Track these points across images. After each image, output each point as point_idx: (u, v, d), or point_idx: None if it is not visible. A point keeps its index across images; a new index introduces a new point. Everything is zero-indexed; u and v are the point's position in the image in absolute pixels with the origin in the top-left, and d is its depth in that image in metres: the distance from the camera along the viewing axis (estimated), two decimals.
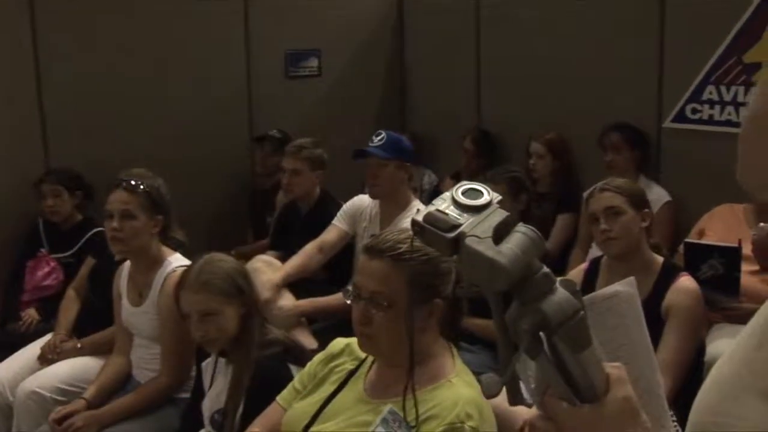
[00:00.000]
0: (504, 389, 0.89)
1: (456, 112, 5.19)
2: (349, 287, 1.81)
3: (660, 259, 2.65)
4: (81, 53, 4.21)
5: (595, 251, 3.68)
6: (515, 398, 0.91)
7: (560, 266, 4.00)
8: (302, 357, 2.26)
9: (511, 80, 4.86)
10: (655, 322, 2.45)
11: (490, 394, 0.88)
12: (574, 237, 4.27)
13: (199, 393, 2.48)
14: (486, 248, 0.81)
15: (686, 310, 2.49)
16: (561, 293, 0.83)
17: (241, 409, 2.23)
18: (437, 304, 1.79)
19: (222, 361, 2.41)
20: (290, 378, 2.10)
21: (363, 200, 3.62)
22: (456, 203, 0.85)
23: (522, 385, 0.91)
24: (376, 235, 1.86)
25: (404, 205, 3.42)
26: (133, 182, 2.80)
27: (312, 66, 5.11)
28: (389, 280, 1.73)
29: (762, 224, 2.52)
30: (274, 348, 2.33)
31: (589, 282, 2.71)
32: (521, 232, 0.83)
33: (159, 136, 4.43)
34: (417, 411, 1.69)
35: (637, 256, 2.61)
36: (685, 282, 2.54)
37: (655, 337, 2.41)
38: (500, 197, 0.86)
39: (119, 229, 2.73)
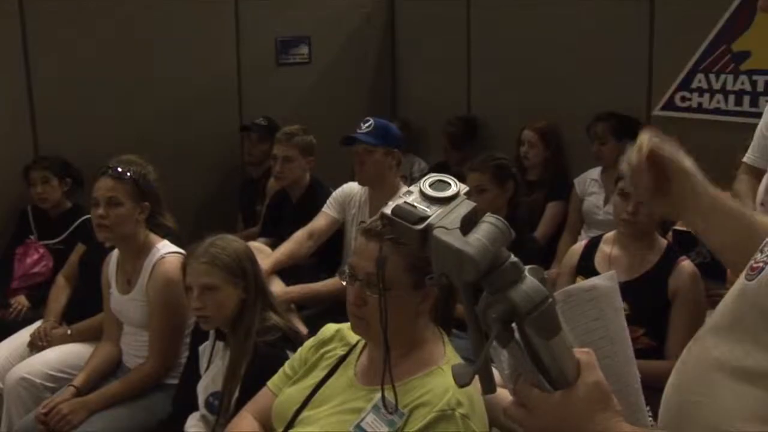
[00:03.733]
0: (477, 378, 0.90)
1: (446, 99, 5.18)
2: (345, 268, 1.79)
3: (663, 241, 2.79)
4: (70, 40, 4.18)
5: (584, 238, 3.70)
6: (488, 386, 0.91)
7: (550, 253, 4.02)
8: (300, 344, 2.26)
9: (502, 68, 4.86)
10: (662, 297, 2.63)
11: (462, 383, 0.88)
12: (563, 224, 4.29)
13: (192, 377, 2.48)
14: (454, 239, 0.82)
15: (694, 297, 2.62)
16: (529, 281, 0.84)
17: (236, 394, 2.24)
18: (431, 290, 1.77)
19: (219, 344, 2.42)
20: None
21: (352, 187, 3.62)
22: (424, 195, 0.87)
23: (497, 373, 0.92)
24: (375, 218, 1.83)
25: (392, 192, 3.40)
26: (119, 169, 2.79)
27: (302, 53, 5.09)
28: (387, 262, 1.68)
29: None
30: (273, 334, 2.33)
31: (587, 257, 2.83)
32: (489, 222, 0.84)
33: (149, 124, 4.41)
34: (396, 395, 1.68)
35: (646, 236, 2.73)
36: (688, 266, 2.66)
37: (660, 310, 2.62)
38: (467, 188, 0.87)
39: (105, 216, 2.72)
